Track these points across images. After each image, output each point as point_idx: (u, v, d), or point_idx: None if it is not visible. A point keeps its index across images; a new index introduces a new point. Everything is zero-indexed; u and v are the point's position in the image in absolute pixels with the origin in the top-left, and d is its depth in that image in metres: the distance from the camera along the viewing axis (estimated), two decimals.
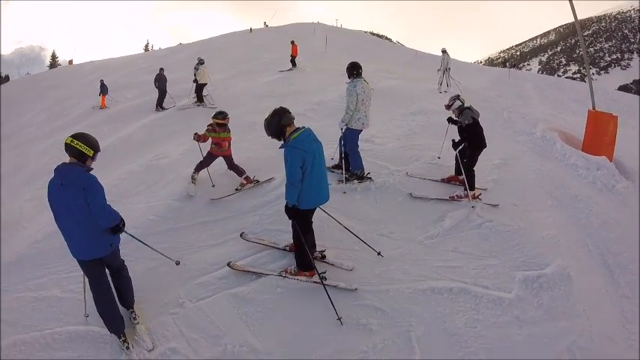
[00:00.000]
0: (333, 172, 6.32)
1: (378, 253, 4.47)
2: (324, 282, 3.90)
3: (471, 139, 5.57)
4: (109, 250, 3.51)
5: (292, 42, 19.81)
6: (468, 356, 3.44)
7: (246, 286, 4.12)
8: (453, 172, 6.14)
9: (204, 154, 6.38)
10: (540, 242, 4.75)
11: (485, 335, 3.57)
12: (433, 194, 5.71)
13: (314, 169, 3.75)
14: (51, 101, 19.73)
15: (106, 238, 3.45)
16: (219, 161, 6.42)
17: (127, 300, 3.88)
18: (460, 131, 5.74)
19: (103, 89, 17.90)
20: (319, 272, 3.99)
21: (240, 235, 4.94)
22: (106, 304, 3.61)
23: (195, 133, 6.26)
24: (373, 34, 55.38)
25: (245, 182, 6.22)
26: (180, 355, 3.54)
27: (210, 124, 6.34)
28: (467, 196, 5.50)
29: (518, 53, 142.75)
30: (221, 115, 6.30)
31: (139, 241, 4.05)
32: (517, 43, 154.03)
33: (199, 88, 13.81)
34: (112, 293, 3.68)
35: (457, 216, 5.15)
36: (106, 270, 3.68)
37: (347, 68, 6.01)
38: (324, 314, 3.74)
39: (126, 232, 3.69)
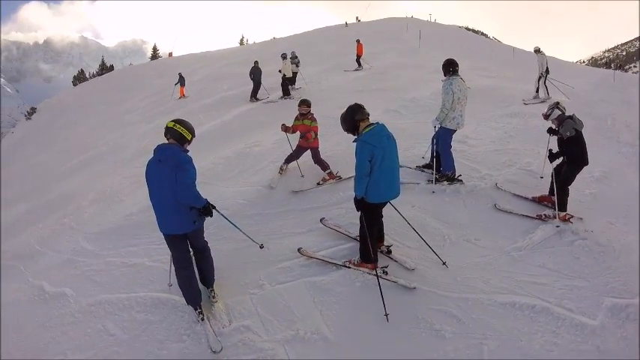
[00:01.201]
0: (423, 171, 6.28)
1: (444, 263, 4.37)
2: (385, 277, 4.05)
3: (571, 154, 5.03)
4: (192, 227, 3.76)
5: (357, 40, 19.08)
6: None
7: (326, 276, 4.23)
8: (546, 189, 5.56)
9: (294, 147, 6.62)
10: (634, 268, 4.30)
11: None
12: (520, 209, 5.33)
13: (384, 164, 3.82)
14: (153, 90, 21.59)
15: (190, 216, 3.71)
16: (310, 152, 6.60)
17: (208, 280, 4.14)
18: (560, 143, 5.19)
19: (181, 81, 19.82)
20: (382, 266, 4.12)
21: (320, 221, 5.14)
22: (185, 278, 3.88)
23: (282, 124, 6.52)
24: (468, 29, 52.16)
25: (327, 177, 6.34)
26: (253, 332, 3.73)
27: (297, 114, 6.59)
28: (556, 217, 5.01)
29: (624, 53, 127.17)
30: (301, 103, 6.55)
31: (227, 219, 4.33)
32: (623, 42, 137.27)
33: (284, 82, 14.24)
34: (193, 269, 3.95)
35: (548, 230, 4.83)
36: (190, 248, 3.96)
37: (443, 65, 5.86)
38: (399, 314, 3.74)
39: (218, 211, 3.98)
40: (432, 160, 6.12)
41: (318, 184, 6.27)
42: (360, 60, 18.55)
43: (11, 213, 9.64)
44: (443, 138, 5.81)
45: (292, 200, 5.78)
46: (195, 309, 3.90)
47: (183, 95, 19.65)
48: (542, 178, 6.04)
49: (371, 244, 4.07)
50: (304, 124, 6.44)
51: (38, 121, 32.89)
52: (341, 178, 6.34)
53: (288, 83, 14.34)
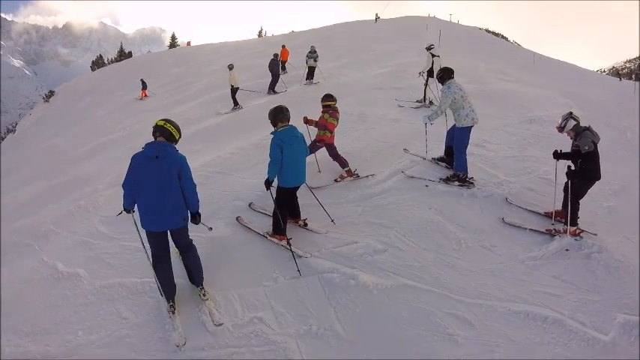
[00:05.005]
0: (438, 163, 6.35)
1: (332, 220, 5.14)
2: (290, 247, 4.55)
3: (585, 169, 4.79)
4: (181, 223, 3.88)
5: (283, 46, 18.98)
6: None
7: (340, 273, 4.25)
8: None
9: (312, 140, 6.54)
10: None
11: None
12: (529, 223, 5.19)
13: (291, 157, 4.62)
14: (170, 78, 21.80)
15: (182, 212, 3.84)
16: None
17: (195, 278, 4.13)
18: (575, 156, 4.90)
19: (144, 85, 21.61)
20: (288, 238, 4.67)
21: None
22: (163, 271, 3.94)
23: (304, 117, 6.45)
24: (489, 31, 51.21)
25: (345, 175, 6.32)
26: (265, 325, 3.77)
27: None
28: (566, 231, 4.86)
29: None
30: (323, 97, 6.52)
31: (206, 226, 4.51)
32: None
33: (233, 92, 13.99)
34: (170, 264, 3.99)
35: (565, 241, 4.77)
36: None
37: (440, 74, 6.03)
38: (412, 316, 3.76)
39: (203, 224, 4.26)
40: (445, 154, 6.21)
41: (336, 180, 6.25)
42: (285, 65, 18.54)
43: (27, 192, 9.78)
44: (460, 137, 5.81)
45: (308, 195, 5.70)
46: (168, 301, 3.97)
47: (145, 95, 21.34)
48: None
49: (282, 220, 4.74)
50: (323, 118, 6.37)
51: (56, 103, 33.35)
52: (359, 176, 6.31)
53: (236, 93, 14.10)
